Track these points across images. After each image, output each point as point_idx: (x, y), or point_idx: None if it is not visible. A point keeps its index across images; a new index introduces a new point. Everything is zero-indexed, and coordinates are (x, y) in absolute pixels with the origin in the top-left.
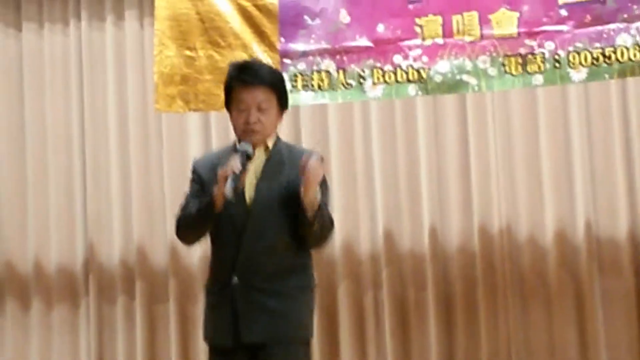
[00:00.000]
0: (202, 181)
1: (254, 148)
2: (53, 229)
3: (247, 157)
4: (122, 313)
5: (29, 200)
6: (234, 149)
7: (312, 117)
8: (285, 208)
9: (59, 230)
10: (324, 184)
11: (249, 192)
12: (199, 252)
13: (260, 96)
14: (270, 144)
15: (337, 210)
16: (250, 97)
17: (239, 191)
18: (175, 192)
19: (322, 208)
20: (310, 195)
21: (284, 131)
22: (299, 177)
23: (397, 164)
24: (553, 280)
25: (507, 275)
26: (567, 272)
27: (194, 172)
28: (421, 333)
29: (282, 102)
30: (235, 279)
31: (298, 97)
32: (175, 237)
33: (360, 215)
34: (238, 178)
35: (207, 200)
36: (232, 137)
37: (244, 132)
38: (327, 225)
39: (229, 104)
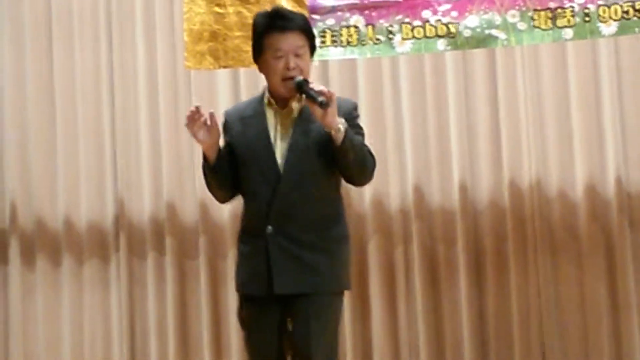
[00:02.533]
0: (232, 133)
1: (288, 98)
2: (83, 185)
3: (306, 81)
4: (153, 269)
5: (59, 157)
6: (262, 98)
7: (340, 73)
8: (320, 156)
9: (88, 187)
10: (355, 124)
11: (284, 142)
12: (229, 207)
13: (297, 41)
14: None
15: None
16: (287, 43)
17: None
18: None
19: (351, 133)
20: (327, 121)
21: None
22: None
23: (427, 119)
24: (583, 235)
25: (537, 230)
26: (598, 227)
27: (224, 123)
28: (451, 288)
29: (312, 47)
30: (269, 229)
31: (327, 53)
32: (205, 192)
33: (390, 170)
34: (318, 90)
35: (202, 156)
36: None
37: (283, 78)
38: (364, 155)
39: (261, 52)
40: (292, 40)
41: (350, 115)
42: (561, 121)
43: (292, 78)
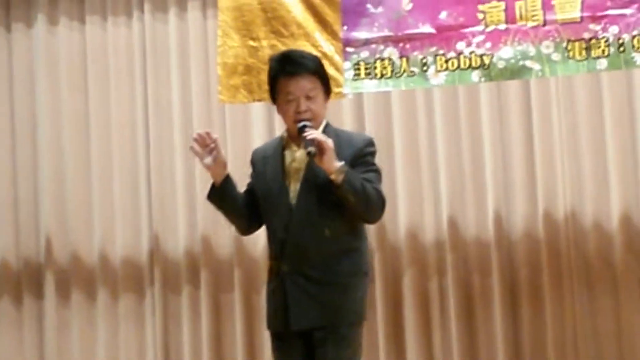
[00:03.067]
0: (255, 171)
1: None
2: (118, 220)
3: (306, 126)
4: (188, 303)
5: (94, 191)
6: (281, 139)
7: (375, 105)
8: (331, 194)
9: (124, 221)
10: (365, 160)
11: (296, 181)
12: (263, 241)
13: (307, 85)
14: (320, 130)
15: (401, 197)
16: (297, 88)
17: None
18: (239, 182)
19: (350, 176)
20: (324, 165)
21: (348, 118)
22: (345, 159)
23: (461, 150)
24: (619, 266)
25: (572, 262)
26: (634, 258)
27: (251, 161)
28: (486, 320)
29: (326, 87)
30: (284, 267)
31: (361, 85)
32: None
33: (424, 202)
34: (311, 138)
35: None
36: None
37: (294, 121)
38: (367, 196)
39: (275, 96)
40: (302, 84)
41: (361, 152)
42: (596, 152)
43: (304, 120)
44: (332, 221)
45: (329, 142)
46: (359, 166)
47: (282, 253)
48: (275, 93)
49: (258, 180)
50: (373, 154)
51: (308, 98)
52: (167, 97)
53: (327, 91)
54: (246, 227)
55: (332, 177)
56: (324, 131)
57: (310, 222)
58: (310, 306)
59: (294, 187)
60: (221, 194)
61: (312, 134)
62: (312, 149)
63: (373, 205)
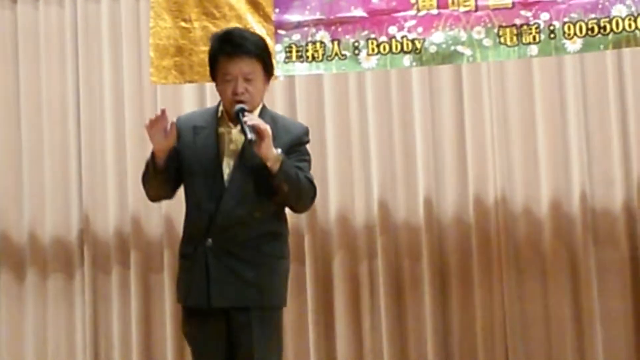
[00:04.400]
0: (181, 138)
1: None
2: (48, 199)
3: (244, 111)
4: (117, 283)
5: (24, 171)
6: (216, 111)
7: (307, 88)
8: (264, 178)
9: (54, 201)
10: (301, 150)
11: (231, 159)
12: None
13: (245, 67)
14: (255, 113)
15: (332, 181)
16: (235, 68)
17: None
18: None
19: (287, 165)
20: (262, 151)
21: (279, 101)
22: (280, 149)
23: (392, 134)
24: (548, 252)
25: (502, 246)
26: (562, 243)
27: (175, 127)
28: (416, 303)
29: (267, 69)
30: (209, 242)
31: (293, 68)
32: (170, 207)
33: (355, 185)
34: (251, 125)
35: (150, 155)
36: None
37: (232, 103)
38: (300, 186)
39: (214, 75)
40: (241, 65)
41: (298, 141)
42: (527, 137)
43: (240, 102)
44: (262, 204)
45: (268, 130)
46: (293, 154)
47: (208, 229)
48: (214, 71)
49: (186, 149)
50: (308, 143)
51: (246, 80)
52: (99, 77)
53: (269, 74)
54: (164, 196)
55: (269, 164)
56: (260, 114)
57: (242, 204)
58: (235, 285)
59: (228, 166)
60: (162, 167)
61: (251, 119)
62: (252, 136)
63: (305, 196)
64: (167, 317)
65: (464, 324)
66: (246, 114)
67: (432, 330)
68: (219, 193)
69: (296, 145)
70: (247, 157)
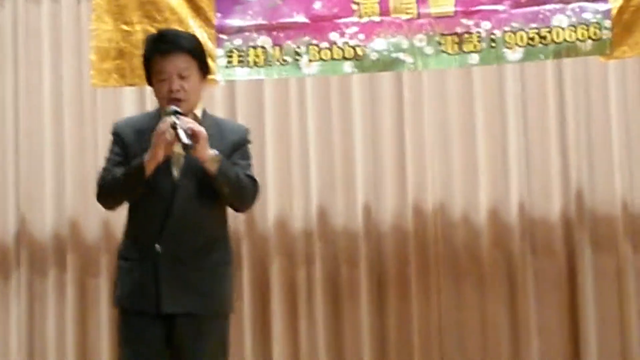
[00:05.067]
0: (125, 143)
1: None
2: None
3: (178, 115)
4: (54, 285)
5: None
6: (158, 115)
7: (247, 93)
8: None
9: None
10: (243, 150)
11: (177, 164)
12: None
13: (180, 64)
14: (198, 114)
15: (271, 187)
16: (170, 66)
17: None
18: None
19: (225, 166)
20: (197, 154)
21: (219, 105)
22: (227, 150)
23: (332, 141)
24: (486, 260)
25: (440, 254)
26: (500, 252)
27: (116, 134)
28: (353, 310)
29: (203, 68)
30: (158, 247)
31: (234, 73)
32: (108, 213)
33: (294, 191)
34: (185, 128)
35: (137, 164)
36: None
37: (168, 101)
38: (241, 186)
39: (149, 76)
40: (175, 63)
41: (242, 141)
42: (466, 146)
43: (177, 99)
44: (210, 209)
45: (203, 132)
46: (236, 154)
47: (158, 234)
48: (149, 73)
49: (131, 154)
50: (250, 143)
51: (181, 77)
52: (38, 79)
53: (204, 72)
54: (123, 203)
55: (206, 165)
56: (202, 117)
57: (191, 208)
58: (186, 291)
59: (176, 169)
60: (143, 180)
61: (186, 122)
62: (187, 141)
63: (246, 194)
64: (103, 321)
65: (400, 331)
66: (179, 117)
67: (369, 337)
68: (169, 197)
69: (241, 146)
70: (193, 160)
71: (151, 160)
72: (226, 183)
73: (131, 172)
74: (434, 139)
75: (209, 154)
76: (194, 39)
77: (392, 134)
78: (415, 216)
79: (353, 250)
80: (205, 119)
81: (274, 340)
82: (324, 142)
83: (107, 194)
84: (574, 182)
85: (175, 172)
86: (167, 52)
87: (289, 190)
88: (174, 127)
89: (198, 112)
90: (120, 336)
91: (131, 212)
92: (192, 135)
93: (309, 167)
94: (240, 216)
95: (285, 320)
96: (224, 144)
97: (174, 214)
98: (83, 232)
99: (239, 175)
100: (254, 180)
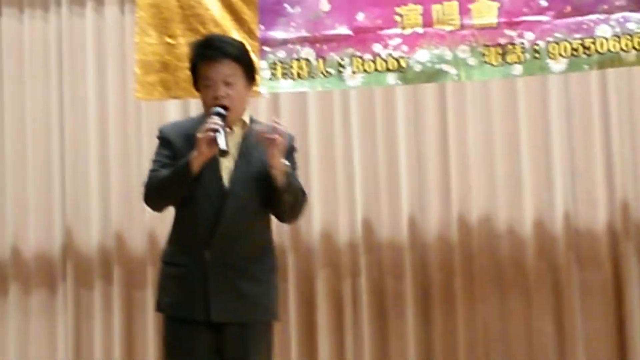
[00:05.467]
0: (173, 147)
1: (229, 125)
2: (31, 214)
3: (222, 117)
4: (100, 299)
5: (7, 186)
6: (203, 119)
7: (291, 105)
8: (262, 187)
9: (37, 216)
10: (292, 158)
11: (227, 169)
12: None
13: (225, 70)
14: (246, 120)
15: (316, 199)
16: (215, 72)
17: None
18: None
19: (291, 176)
20: (276, 162)
21: (263, 118)
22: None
23: (377, 152)
24: (531, 271)
25: (485, 265)
26: (545, 263)
27: (163, 137)
28: (399, 322)
29: (249, 74)
30: (207, 255)
31: (277, 85)
32: (153, 222)
33: (339, 203)
34: (225, 130)
35: (184, 162)
36: None
37: (213, 107)
38: (298, 195)
39: (196, 82)
40: (221, 69)
41: (290, 148)
42: (510, 157)
43: (222, 106)
44: (258, 217)
45: (281, 139)
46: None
47: (207, 241)
48: (196, 79)
49: (178, 157)
50: (297, 151)
51: (226, 84)
52: (83, 92)
53: (251, 79)
54: (170, 204)
55: (276, 173)
56: (250, 125)
57: (242, 215)
58: (235, 299)
59: (226, 176)
60: (189, 180)
61: (267, 125)
62: (224, 147)
63: (299, 206)
64: (150, 334)
65: (446, 343)
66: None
67: (415, 349)
68: (219, 203)
69: (289, 153)
70: (244, 164)
71: (196, 158)
72: (290, 194)
73: (178, 171)
74: (478, 150)
75: (281, 162)
76: (240, 45)
77: (436, 146)
78: (460, 227)
79: (398, 261)
80: (252, 126)
81: (320, 352)
82: (369, 153)
83: (155, 194)
84: (619, 192)
85: (225, 179)
86: (212, 59)
87: (334, 202)
88: (214, 130)
89: (246, 118)
90: (166, 344)
91: (179, 218)
92: (271, 140)
93: (353, 179)
94: (286, 228)
95: (331, 331)
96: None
97: (223, 221)
98: (128, 244)
99: (300, 187)
100: (304, 193)
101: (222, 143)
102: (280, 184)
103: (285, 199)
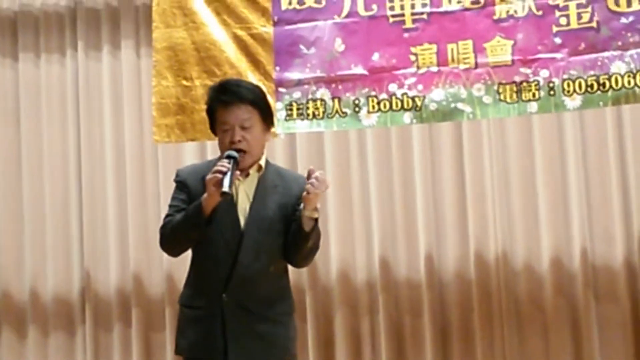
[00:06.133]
0: (189, 190)
1: (245, 169)
2: (49, 257)
3: (234, 160)
4: (119, 341)
5: (26, 228)
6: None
7: (308, 145)
8: (278, 231)
9: (55, 259)
10: None
11: (243, 212)
12: None
13: (241, 115)
14: (262, 163)
15: (333, 238)
16: (231, 117)
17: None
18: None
19: (317, 223)
20: (311, 208)
21: (280, 158)
22: (292, 201)
23: (393, 191)
24: (549, 308)
25: (503, 303)
26: (563, 300)
27: (180, 181)
28: None
29: (266, 118)
30: (225, 298)
31: (294, 126)
32: (171, 264)
33: (356, 242)
34: (232, 175)
35: (196, 205)
36: None
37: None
38: (319, 241)
39: (213, 127)
40: (237, 113)
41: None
42: (527, 194)
43: (239, 150)
44: (276, 258)
45: (327, 181)
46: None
47: (225, 283)
48: (213, 123)
49: (195, 200)
50: None
51: (243, 128)
52: (100, 134)
53: (268, 123)
54: (186, 248)
55: (307, 217)
56: (265, 168)
57: (258, 257)
58: (253, 342)
59: (242, 219)
60: (202, 223)
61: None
62: (227, 190)
63: (315, 253)
64: None
65: None
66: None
67: None
68: (236, 246)
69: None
70: (259, 209)
71: (206, 200)
72: (313, 239)
73: (190, 214)
74: (495, 187)
75: (315, 209)
76: (256, 89)
77: (452, 184)
78: (477, 265)
79: (416, 300)
80: (268, 169)
81: None
82: (385, 192)
83: (170, 239)
84: (636, 227)
85: (242, 222)
86: (228, 103)
87: (351, 241)
88: (221, 172)
89: (262, 161)
90: None
91: (196, 261)
92: (318, 183)
93: (370, 217)
94: (304, 268)
95: None
96: (289, 194)
97: (240, 263)
98: (147, 286)
99: (320, 233)
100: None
101: (225, 185)
102: (308, 230)
103: (308, 245)
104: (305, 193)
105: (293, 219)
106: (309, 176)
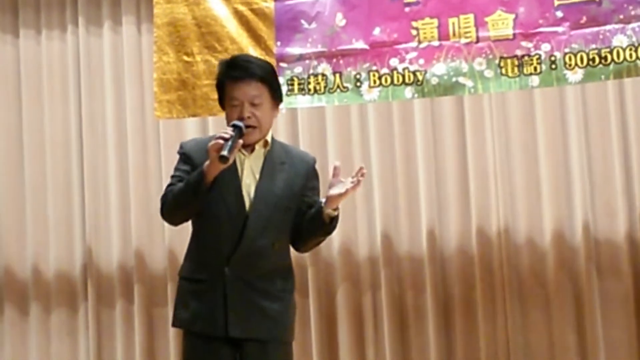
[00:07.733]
0: (193, 162)
1: (252, 144)
2: (51, 234)
3: (239, 129)
4: (121, 317)
5: (28, 205)
6: None
7: (309, 120)
8: (285, 208)
9: (57, 235)
10: (317, 187)
11: (249, 189)
12: None
13: (251, 91)
14: (268, 139)
15: None
16: (241, 93)
17: (231, 156)
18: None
19: (335, 219)
20: (334, 206)
21: (282, 133)
22: (299, 180)
23: (395, 166)
24: (551, 282)
25: (505, 277)
26: (566, 274)
27: (184, 152)
28: (420, 335)
29: (275, 95)
30: (227, 270)
31: (295, 101)
32: (173, 239)
33: (358, 218)
34: (234, 142)
35: (198, 172)
36: None
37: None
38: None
39: (222, 101)
40: (247, 90)
41: (314, 172)
42: (529, 168)
43: (248, 127)
44: (281, 236)
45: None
46: (309, 190)
47: (228, 258)
48: (222, 98)
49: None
50: (318, 176)
51: (253, 105)
52: (101, 111)
53: (276, 99)
54: (187, 218)
55: (330, 209)
56: (271, 144)
57: (263, 233)
58: (254, 316)
59: (247, 193)
60: (203, 192)
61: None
62: (227, 154)
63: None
64: (171, 352)
65: (468, 355)
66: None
67: None
68: (241, 221)
69: (312, 178)
70: (266, 187)
71: (208, 167)
72: (328, 233)
73: (192, 181)
74: (497, 162)
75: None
76: (266, 65)
77: (454, 158)
78: (479, 240)
79: (418, 275)
80: (274, 145)
81: None
82: (387, 167)
83: (171, 206)
84: (638, 202)
85: (247, 199)
86: (238, 79)
87: (353, 216)
88: (224, 138)
89: (268, 137)
90: (185, 358)
91: (198, 235)
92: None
93: (372, 193)
94: None
95: (352, 346)
96: (295, 172)
97: (246, 237)
98: (149, 262)
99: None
100: None
101: (225, 150)
102: (327, 220)
103: (319, 238)
104: (336, 192)
105: (306, 203)
106: (335, 174)
